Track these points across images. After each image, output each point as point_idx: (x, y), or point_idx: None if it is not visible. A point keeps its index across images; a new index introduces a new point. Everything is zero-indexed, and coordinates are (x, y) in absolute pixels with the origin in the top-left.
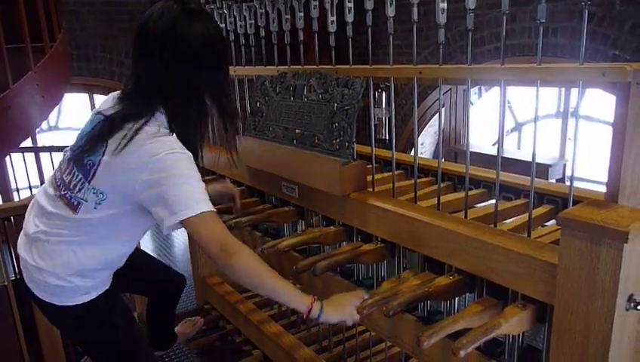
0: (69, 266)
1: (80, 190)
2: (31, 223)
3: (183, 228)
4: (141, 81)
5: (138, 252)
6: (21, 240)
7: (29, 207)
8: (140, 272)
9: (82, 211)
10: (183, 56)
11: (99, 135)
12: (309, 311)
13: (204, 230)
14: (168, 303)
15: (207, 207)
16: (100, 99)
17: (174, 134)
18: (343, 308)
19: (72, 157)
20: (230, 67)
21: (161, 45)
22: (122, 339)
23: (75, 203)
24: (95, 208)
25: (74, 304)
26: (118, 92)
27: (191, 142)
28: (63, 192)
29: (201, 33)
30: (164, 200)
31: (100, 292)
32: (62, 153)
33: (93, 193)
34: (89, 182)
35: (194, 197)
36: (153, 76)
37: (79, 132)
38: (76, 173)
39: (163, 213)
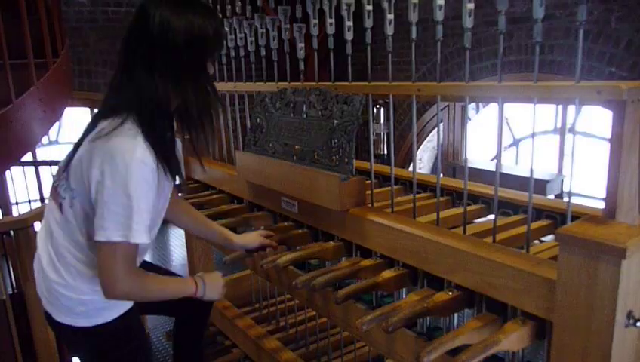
0: (78, 275)
1: (63, 188)
2: (43, 239)
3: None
4: (121, 83)
5: (162, 270)
6: (37, 260)
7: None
8: None
9: (65, 211)
10: (149, 42)
11: (80, 137)
12: (196, 291)
13: (102, 257)
14: (196, 324)
15: (120, 237)
16: None
17: (144, 136)
18: (218, 287)
19: (62, 162)
20: (231, 83)
21: (133, 35)
22: None
23: (60, 202)
24: (70, 206)
25: (95, 324)
26: None
27: (162, 148)
28: (54, 196)
29: (185, 28)
30: (100, 210)
31: (120, 312)
32: None
33: (70, 190)
34: (67, 179)
35: (117, 220)
36: (132, 79)
37: None
38: (64, 174)
39: (96, 222)
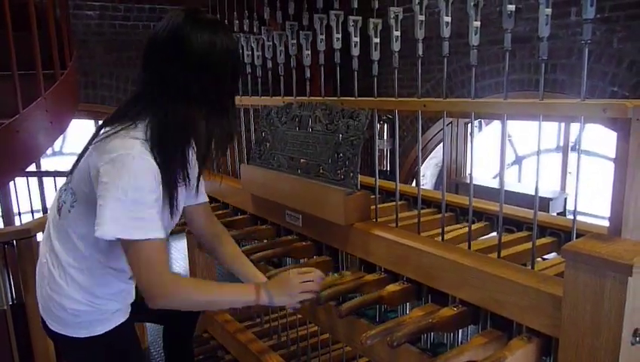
0: (72, 286)
1: (64, 192)
2: (44, 251)
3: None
4: (138, 90)
5: None
6: (38, 271)
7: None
8: None
9: (63, 214)
10: (183, 65)
11: (87, 143)
12: (258, 298)
13: (130, 261)
14: (185, 329)
15: (146, 234)
16: None
17: (150, 144)
18: (290, 289)
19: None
20: (236, 97)
21: (163, 54)
22: None
23: (60, 205)
24: (69, 211)
25: (86, 336)
26: None
27: (172, 161)
28: (57, 202)
29: (207, 43)
30: (99, 207)
31: (114, 325)
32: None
33: (71, 193)
34: (69, 183)
35: (129, 217)
36: (150, 84)
37: None
38: (67, 179)
39: (96, 220)
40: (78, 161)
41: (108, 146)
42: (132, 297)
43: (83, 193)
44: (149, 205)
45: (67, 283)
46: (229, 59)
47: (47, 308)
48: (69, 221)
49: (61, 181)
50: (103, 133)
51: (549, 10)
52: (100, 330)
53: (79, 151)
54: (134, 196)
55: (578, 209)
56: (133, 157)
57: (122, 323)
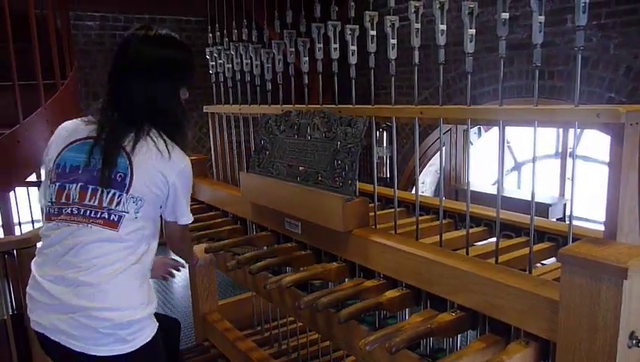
0: (126, 292)
1: (119, 203)
2: (59, 270)
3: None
4: (122, 102)
5: None
6: (47, 298)
7: (38, 260)
8: None
9: (124, 224)
10: (154, 76)
11: (110, 148)
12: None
13: (183, 234)
14: (170, 348)
15: (191, 218)
16: None
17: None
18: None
19: (89, 181)
20: (236, 105)
21: (133, 68)
22: None
23: (116, 218)
24: (135, 218)
25: (140, 346)
26: (79, 120)
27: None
28: (93, 215)
29: (161, 56)
30: (181, 204)
31: (156, 329)
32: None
33: (133, 201)
34: (127, 192)
35: (188, 209)
36: (132, 96)
37: (62, 166)
38: (106, 191)
39: (179, 212)
40: (107, 174)
41: (176, 155)
42: None
43: (153, 195)
44: None
45: (123, 293)
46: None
47: (86, 333)
48: (134, 225)
49: None
50: (135, 138)
51: (542, 18)
52: (148, 335)
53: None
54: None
55: (578, 215)
56: (189, 166)
57: (155, 327)
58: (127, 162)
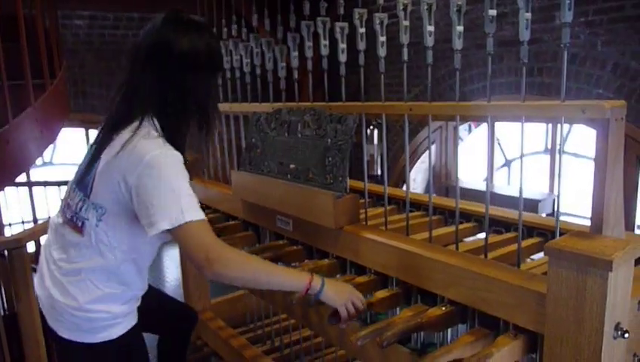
0: (89, 294)
1: (81, 208)
2: (45, 259)
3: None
4: (132, 92)
5: (165, 294)
6: (38, 278)
7: (42, 248)
8: (151, 307)
9: (86, 231)
10: (171, 66)
11: (94, 152)
12: (310, 286)
13: (188, 240)
14: (180, 341)
15: (192, 216)
16: (94, 135)
17: (164, 137)
18: (344, 293)
19: (74, 180)
20: (226, 104)
21: (150, 56)
22: None
23: (80, 223)
24: (97, 225)
25: (101, 341)
26: None
27: (179, 145)
28: (68, 217)
29: (189, 44)
30: (146, 208)
31: (128, 328)
32: (57, 187)
33: (93, 208)
34: (89, 198)
35: (178, 206)
36: (144, 86)
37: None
38: (78, 193)
39: (144, 222)
40: (86, 173)
41: (134, 152)
42: (139, 302)
43: (114, 202)
44: (188, 192)
45: (85, 296)
46: (212, 57)
47: (58, 316)
48: (100, 234)
49: (51, 191)
50: (116, 143)
51: (528, 15)
52: (112, 334)
53: (79, 161)
54: (174, 186)
55: (568, 210)
56: (165, 155)
57: (132, 328)
58: (96, 167)
